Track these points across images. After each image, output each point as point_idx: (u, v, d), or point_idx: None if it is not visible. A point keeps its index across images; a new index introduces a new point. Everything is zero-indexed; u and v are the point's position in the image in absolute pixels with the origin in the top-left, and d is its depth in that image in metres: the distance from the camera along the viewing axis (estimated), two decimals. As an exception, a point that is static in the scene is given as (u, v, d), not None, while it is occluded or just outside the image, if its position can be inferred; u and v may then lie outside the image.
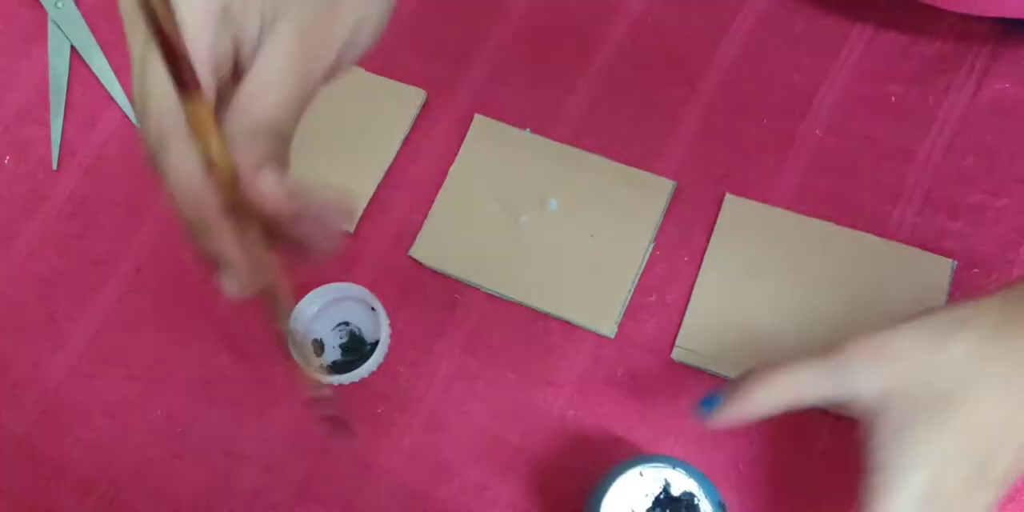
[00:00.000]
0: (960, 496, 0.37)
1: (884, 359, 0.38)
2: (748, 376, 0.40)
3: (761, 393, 0.40)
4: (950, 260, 0.50)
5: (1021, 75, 0.55)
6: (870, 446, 0.38)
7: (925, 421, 0.37)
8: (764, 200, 0.54)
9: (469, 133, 0.57)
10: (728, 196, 0.53)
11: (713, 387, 0.43)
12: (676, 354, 0.51)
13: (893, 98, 0.55)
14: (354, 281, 0.54)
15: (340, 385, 0.52)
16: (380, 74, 0.58)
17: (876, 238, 0.51)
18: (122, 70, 0.60)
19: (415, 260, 0.55)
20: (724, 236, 0.52)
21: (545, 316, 0.53)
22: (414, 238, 0.55)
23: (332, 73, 0.32)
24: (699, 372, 0.51)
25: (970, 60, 0.56)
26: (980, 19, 0.56)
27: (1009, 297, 0.38)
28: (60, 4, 0.61)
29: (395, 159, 0.57)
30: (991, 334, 0.37)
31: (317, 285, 0.53)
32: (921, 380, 0.37)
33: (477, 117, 0.57)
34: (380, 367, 0.53)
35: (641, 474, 0.42)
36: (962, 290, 0.51)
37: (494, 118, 0.57)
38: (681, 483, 0.42)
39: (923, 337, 0.38)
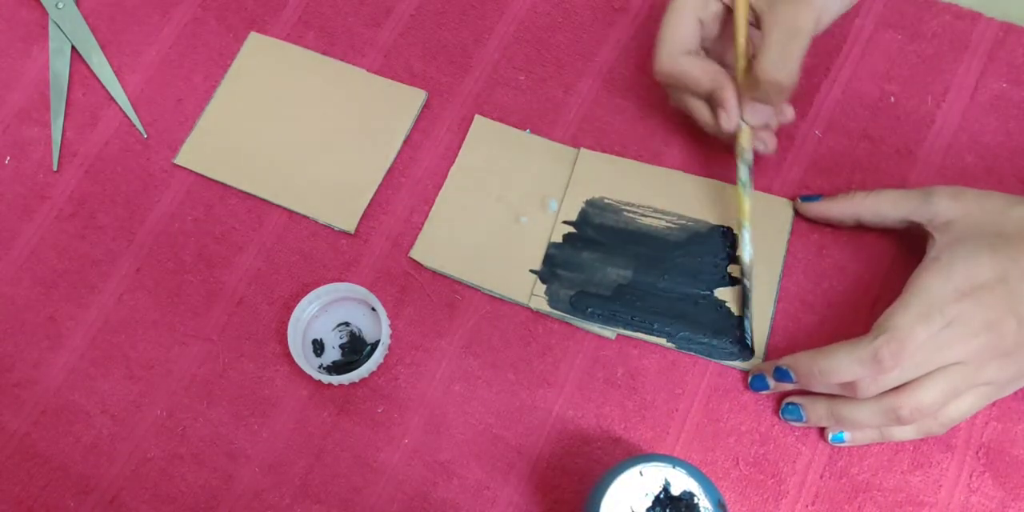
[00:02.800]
0: (992, 310, 0.43)
1: (962, 202, 0.47)
2: (852, 192, 0.51)
3: (860, 199, 0.50)
4: None
5: (1019, 75, 0.55)
6: (928, 254, 0.47)
7: (981, 241, 0.45)
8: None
9: (469, 134, 0.57)
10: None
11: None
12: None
13: (892, 98, 0.55)
14: (354, 281, 0.54)
15: (340, 385, 0.52)
16: (381, 74, 0.59)
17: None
18: (122, 71, 0.60)
19: (415, 261, 0.55)
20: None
21: (545, 316, 0.53)
22: (414, 239, 0.55)
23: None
24: (700, 365, 0.51)
25: (968, 60, 0.56)
26: (978, 18, 0.56)
27: None
28: (61, 5, 0.61)
29: (395, 160, 0.57)
30: None
31: (317, 285, 0.54)
32: (989, 221, 0.46)
33: (477, 118, 0.57)
34: (380, 367, 0.53)
35: (641, 473, 0.42)
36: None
37: (494, 119, 0.57)
38: (681, 482, 0.42)
39: (1006, 197, 0.47)
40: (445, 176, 0.56)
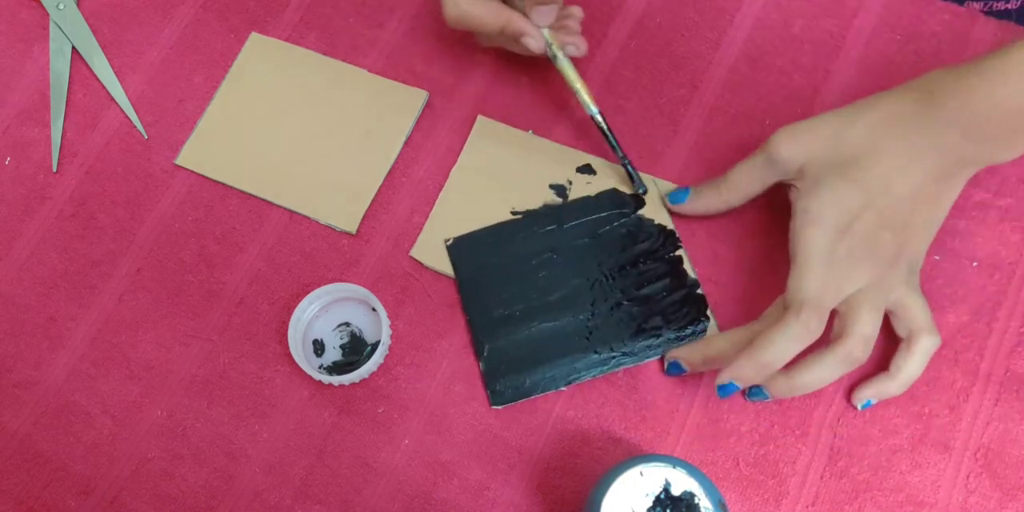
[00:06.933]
0: (870, 235, 0.46)
1: (800, 142, 0.48)
2: (718, 178, 0.52)
3: (724, 184, 0.51)
4: None
5: (1020, 76, 0.55)
6: (796, 205, 0.48)
7: (834, 175, 0.46)
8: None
9: (471, 134, 0.57)
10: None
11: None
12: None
13: (893, 99, 0.55)
14: (355, 282, 0.54)
15: (341, 386, 0.52)
16: (382, 75, 0.59)
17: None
18: (123, 71, 0.60)
19: (416, 261, 0.55)
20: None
21: (545, 316, 0.53)
22: (415, 239, 0.55)
23: None
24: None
25: (967, 59, 0.56)
26: (976, 16, 0.56)
27: (913, 86, 0.47)
28: (62, 5, 0.62)
29: (397, 160, 0.57)
30: (889, 116, 0.46)
31: (318, 285, 0.54)
32: (830, 150, 0.47)
33: (479, 118, 0.57)
34: (381, 367, 0.53)
35: (641, 474, 0.42)
36: (965, 287, 0.51)
37: (496, 119, 0.57)
38: (681, 482, 0.42)
39: (833, 120, 0.47)
40: (446, 176, 0.56)
